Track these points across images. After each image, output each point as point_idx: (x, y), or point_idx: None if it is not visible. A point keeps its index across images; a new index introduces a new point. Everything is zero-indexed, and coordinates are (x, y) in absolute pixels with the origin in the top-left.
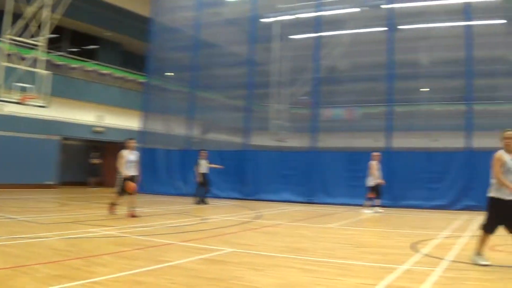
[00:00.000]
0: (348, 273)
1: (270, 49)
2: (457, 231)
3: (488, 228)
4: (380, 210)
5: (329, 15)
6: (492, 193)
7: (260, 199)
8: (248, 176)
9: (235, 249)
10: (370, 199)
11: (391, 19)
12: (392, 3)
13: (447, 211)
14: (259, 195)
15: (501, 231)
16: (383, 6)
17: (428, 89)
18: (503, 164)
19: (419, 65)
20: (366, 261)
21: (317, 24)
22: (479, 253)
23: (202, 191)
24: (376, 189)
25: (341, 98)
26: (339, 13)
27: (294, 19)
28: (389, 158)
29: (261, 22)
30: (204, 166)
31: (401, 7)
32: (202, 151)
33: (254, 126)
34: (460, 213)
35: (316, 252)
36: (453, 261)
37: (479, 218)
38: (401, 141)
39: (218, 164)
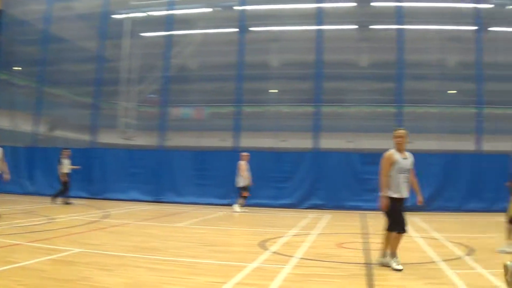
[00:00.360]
0: (197, 271)
1: (120, 45)
2: (305, 229)
3: (396, 227)
4: (245, 210)
5: (181, 14)
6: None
7: (107, 198)
8: (95, 175)
9: (83, 249)
10: (244, 197)
11: (243, 21)
12: (244, 4)
13: (295, 210)
14: (107, 194)
15: (349, 228)
16: (235, 7)
17: (277, 91)
18: (393, 163)
19: (269, 67)
20: (215, 259)
21: (168, 22)
22: (394, 254)
23: (65, 191)
24: (244, 188)
25: (190, 97)
26: (191, 13)
27: (145, 16)
28: (237, 157)
29: (112, 18)
30: (67, 165)
31: (253, 9)
32: (65, 150)
33: (102, 124)
34: (308, 212)
35: (165, 251)
36: (302, 258)
37: (326, 216)
38: (249, 141)
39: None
